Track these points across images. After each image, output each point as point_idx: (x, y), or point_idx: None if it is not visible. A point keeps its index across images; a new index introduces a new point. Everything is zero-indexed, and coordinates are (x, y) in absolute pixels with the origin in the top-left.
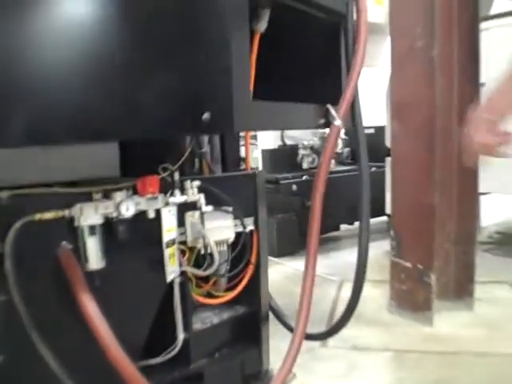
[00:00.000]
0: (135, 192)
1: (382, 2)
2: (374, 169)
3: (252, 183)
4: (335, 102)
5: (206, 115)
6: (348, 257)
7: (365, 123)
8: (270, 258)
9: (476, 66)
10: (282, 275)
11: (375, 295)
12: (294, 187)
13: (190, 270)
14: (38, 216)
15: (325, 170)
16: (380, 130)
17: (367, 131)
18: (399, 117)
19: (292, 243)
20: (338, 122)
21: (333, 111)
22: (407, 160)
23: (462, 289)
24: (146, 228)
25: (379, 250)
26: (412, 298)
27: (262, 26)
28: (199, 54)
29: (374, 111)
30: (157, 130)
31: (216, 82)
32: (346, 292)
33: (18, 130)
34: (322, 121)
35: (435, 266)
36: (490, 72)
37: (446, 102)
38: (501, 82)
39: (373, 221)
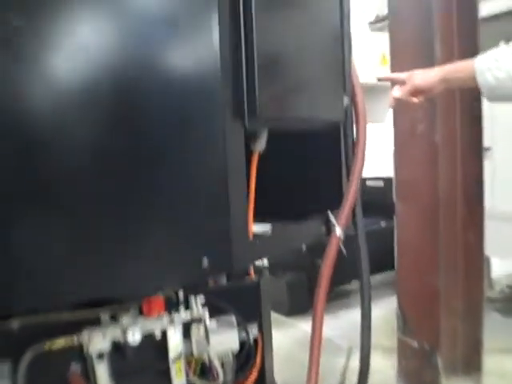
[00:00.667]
0: (141, 311)
1: (386, 61)
2: (383, 224)
3: (256, 291)
4: (336, 206)
5: (204, 262)
6: (357, 315)
7: (373, 175)
8: (281, 317)
9: (479, 142)
10: (291, 340)
11: (383, 367)
12: (303, 246)
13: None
14: (47, 345)
15: (325, 285)
16: (388, 182)
17: (376, 184)
18: (403, 197)
19: (302, 302)
20: (338, 231)
21: (333, 220)
22: (412, 240)
23: (470, 364)
24: (153, 345)
25: (388, 307)
26: (419, 378)
27: (261, 145)
28: (195, 199)
29: (382, 163)
30: (156, 286)
31: (213, 228)
32: (355, 360)
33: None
34: (323, 229)
35: (442, 343)
36: (494, 136)
37: (449, 183)
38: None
39: (382, 276)
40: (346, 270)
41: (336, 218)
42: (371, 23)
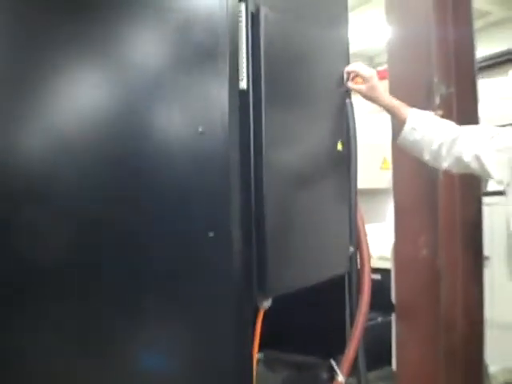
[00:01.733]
0: None
1: (388, 166)
2: (380, 319)
3: None
4: (339, 351)
5: None
6: None
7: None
8: None
9: (480, 266)
10: None
11: None
12: None
13: None
14: None
15: None
16: (386, 276)
17: (374, 277)
18: (404, 317)
19: None
20: (341, 378)
21: (337, 368)
22: (411, 359)
23: None
24: None
25: None
26: None
27: (267, 304)
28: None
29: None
30: None
31: None
32: None
33: None
34: (325, 375)
35: None
36: (493, 245)
37: (450, 305)
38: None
39: (378, 371)
40: None
41: (339, 365)
42: None
